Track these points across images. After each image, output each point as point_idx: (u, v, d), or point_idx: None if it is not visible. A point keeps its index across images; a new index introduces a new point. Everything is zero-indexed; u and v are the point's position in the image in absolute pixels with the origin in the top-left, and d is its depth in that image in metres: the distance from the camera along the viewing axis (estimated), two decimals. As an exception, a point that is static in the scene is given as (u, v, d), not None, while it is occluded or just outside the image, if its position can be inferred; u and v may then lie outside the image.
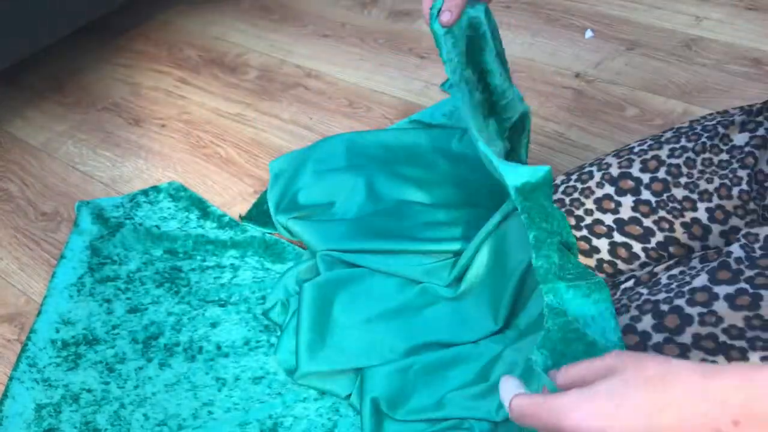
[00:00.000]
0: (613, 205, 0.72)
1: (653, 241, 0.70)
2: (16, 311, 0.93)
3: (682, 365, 0.39)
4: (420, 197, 0.94)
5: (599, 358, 0.43)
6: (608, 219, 0.72)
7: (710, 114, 0.74)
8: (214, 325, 0.88)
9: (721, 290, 0.59)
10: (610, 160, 0.75)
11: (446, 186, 0.95)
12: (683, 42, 1.22)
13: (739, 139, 0.69)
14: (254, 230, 0.99)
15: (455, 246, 0.86)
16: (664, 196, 0.71)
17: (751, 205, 0.66)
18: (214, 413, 0.79)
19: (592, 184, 0.74)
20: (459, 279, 0.83)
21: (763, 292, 0.58)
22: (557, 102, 1.15)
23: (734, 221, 0.67)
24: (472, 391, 0.73)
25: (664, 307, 0.61)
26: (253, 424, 0.77)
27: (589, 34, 1.28)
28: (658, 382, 0.38)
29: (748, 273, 0.59)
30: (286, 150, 1.13)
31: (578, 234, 0.73)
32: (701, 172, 0.70)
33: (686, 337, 0.59)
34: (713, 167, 0.70)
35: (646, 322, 0.60)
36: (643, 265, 0.71)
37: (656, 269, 0.66)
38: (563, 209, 0.75)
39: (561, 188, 0.76)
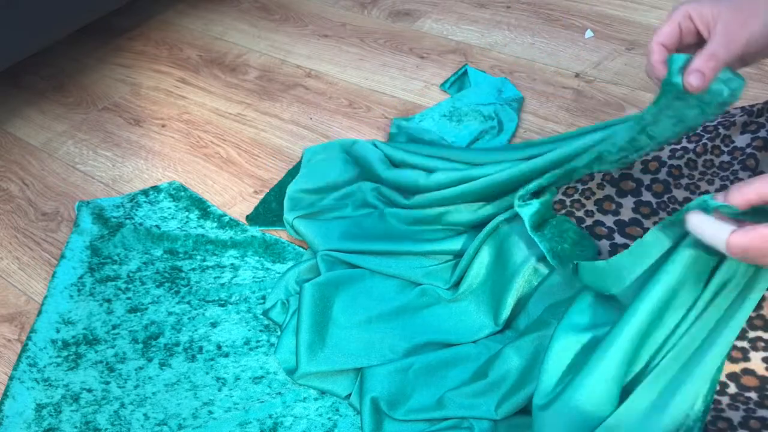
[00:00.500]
0: (613, 207, 0.72)
1: (654, 242, 0.70)
2: (17, 311, 0.93)
3: None
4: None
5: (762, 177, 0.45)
6: (609, 220, 0.72)
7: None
8: (214, 324, 0.88)
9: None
10: (610, 160, 0.75)
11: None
12: (683, 42, 1.23)
13: (741, 140, 0.69)
14: (254, 230, 0.99)
15: (456, 246, 0.86)
16: (665, 198, 0.71)
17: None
18: (214, 413, 0.79)
19: (592, 185, 0.74)
20: (460, 281, 0.83)
21: (765, 293, 0.58)
22: (557, 102, 1.15)
23: (735, 222, 0.67)
24: (472, 389, 0.74)
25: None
26: (253, 424, 0.77)
27: (589, 34, 1.28)
28: None
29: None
30: (286, 150, 1.13)
31: (579, 235, 0.73)
32: (702, 173, 0.70)
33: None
34: (714, 168, 0.70)
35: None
36: (643, 266, 0.71)
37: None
38: (564, 211, 0.75)
39: (562, 189, 0.76)
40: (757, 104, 0.71)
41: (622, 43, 1.24)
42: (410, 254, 0.87)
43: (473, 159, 0.91)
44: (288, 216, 0.96)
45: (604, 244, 0.72)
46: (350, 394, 0.78)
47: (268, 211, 1.01)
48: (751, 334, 0.58)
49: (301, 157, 1.09)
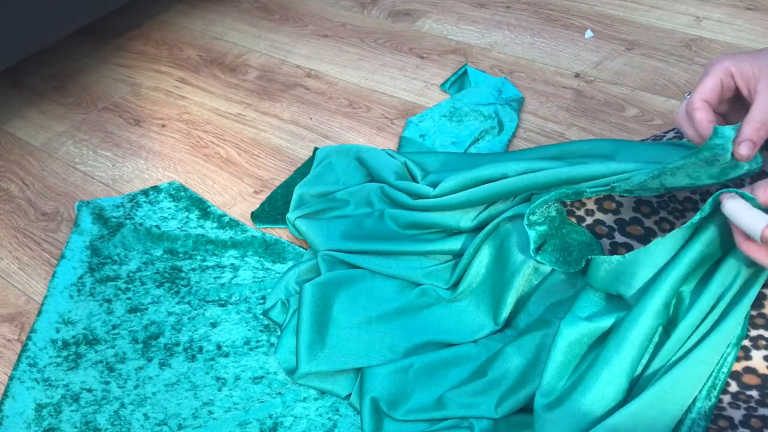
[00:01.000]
0: (614, 206, 0.72)
1: (654, 241, 0.70)
2: (16, 311, 0.93)
3: None
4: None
5: None
6: (609, 219, 0.72)
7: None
8: (214, 324, 0.88)
9: (723, 290, 0.59)
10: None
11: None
12: (683, 42, 1.23)
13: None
14: (254, 230, 0.99)
15: (456, 246, 0.86)
16: (666, 197, 0.71)
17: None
18: (214, 413, 0.79)
19: (593, 184, 0.74)
20: (460, 280, 0.83)
21: (766, 291, 0.58)
22: (557, 102, 1.15)
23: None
24: (471, 388, 0.73)
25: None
26: (253, 424, 0.77)
27: (589, 34, 1.28)
28: None
29: (750, 272, 0.59)
30: (286, 150, 1.13)
31: (579, 234, 0.73)
32: (703, 172, 0.70)
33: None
34: (714, 167, 0.70)
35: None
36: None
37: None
38: (564, 210, 0.75)
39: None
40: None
41: (622, 43, 1.24)
42: (410, 254, 0.87)
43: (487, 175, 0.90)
44: (291, 215, 0.96)
45: (605, 242, 0.72)
46: (350, 394, 0.78)
47: (274, 209, 1.01)
48: (753, 333, 0.58)
49: (312, 156, 1.08)
